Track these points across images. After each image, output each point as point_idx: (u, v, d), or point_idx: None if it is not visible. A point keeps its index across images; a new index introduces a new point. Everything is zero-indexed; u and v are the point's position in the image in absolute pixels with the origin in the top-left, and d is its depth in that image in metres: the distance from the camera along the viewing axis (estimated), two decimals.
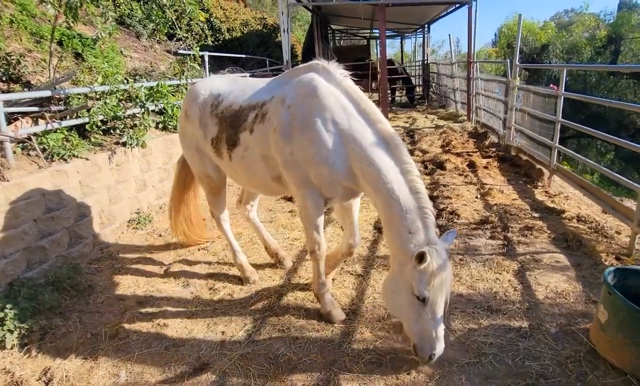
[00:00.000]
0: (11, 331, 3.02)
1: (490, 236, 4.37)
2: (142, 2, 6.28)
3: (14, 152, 4.25)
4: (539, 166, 6.23)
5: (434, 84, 16.74)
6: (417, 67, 20.65)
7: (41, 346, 3.04)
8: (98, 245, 4.61)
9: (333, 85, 2.86)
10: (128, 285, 3.89)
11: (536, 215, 4.81)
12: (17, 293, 3.37)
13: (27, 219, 3.88)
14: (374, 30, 21.16)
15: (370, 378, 2.61)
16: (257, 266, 4.05)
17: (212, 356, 2.89)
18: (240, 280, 3.82)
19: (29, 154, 4.38)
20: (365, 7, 11.24)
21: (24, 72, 5.87)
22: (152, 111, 6.45)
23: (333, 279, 3.67)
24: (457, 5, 11.10)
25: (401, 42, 22.86)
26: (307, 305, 3.41)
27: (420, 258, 2.34)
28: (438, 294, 2.44)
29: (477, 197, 5.50)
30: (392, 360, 2.75)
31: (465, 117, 10.85)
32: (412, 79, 18.37)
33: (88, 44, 6.97)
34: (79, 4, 4.69)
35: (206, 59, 8.69)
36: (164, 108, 6.51)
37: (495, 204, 5.18)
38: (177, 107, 6.60)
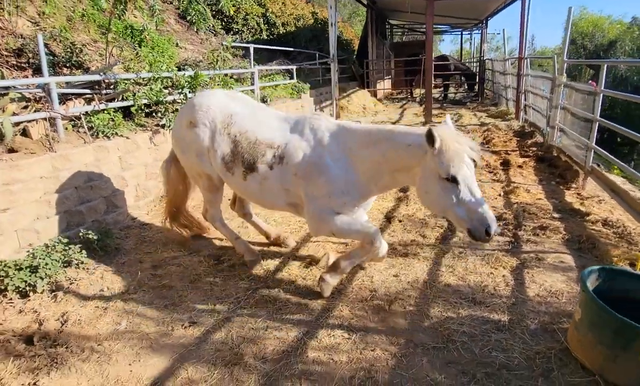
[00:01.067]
0: (42, 278, 3.52)
1: (500, 232, 4.26)
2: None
3: (66, 129, 4.86)
4: (576, 168, 5.86)
5: (488, 81, 16.04)
6: (475, 64, 19.85)
7: (65, 294, 3.52)
8: (130, 215, 5.12)
9: (335, 127, 3.26)
10: (148, 251, 4.32)
11: (556, 216, 4.59)
12: (52, 248, 3.90)
13: (69, 186, 4.45)
14: (433, 26, 20.64)
15: (335, 350, 2.74)
16: (261, 245, 4.31)
17: (201, 316, 3.18)
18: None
19: (78, 131, 4.98)
20: (414, 1, 11.06)
21: (85, 59, 6.61)
22: None
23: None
24: (509, 0, 10.54)
25: (461, 38, 22.06)
26: (298, 281, 3.60)
27: (429, 137, 2.55)
28: (463, 167, 2.58)
29: (499, 195, 5.34)
30: (361, 336, 2.86)
31: (514, 116, 10.34)
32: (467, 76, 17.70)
33: (137, 36, 7.56)
34: None
35: (251, 51, 9.10)
36: None
37: (517, 202, 5.00)
38: None
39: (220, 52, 6.94)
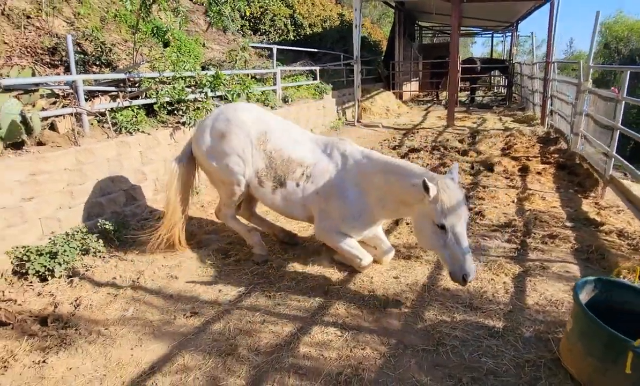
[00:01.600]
0: (60, 264, 3.76)
1: (507, 239, 4.21)
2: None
3: (91, 124, 5.14)
4: (596, 176, 5.68)
5: (517, 85, 15.64)
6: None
7: (81, 280, 3.74)
8: (148, 208, 5.35)
9: (358, 154, 3.58)
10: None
11: (569, 224, 4.48)
12: (72, 236, 4.14)
13: (91, 178, 4.70)
14: (462, 29, 20.30)
15: (327, 347, 2.81)
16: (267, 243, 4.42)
17: (203, 307, 3.32)
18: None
19: (102, 126, 5.25)
20: (440, 2, 10.94)
21: (114, 58, 6.93)
22: (218, 96, 7.17)
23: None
24: (540, 2, 10.26)
25: (492, 41, 21.57)
26: (298, 278, 3.68)
27: (425, 187, 2.82)
28: (455, 219, 2.86)
29: (513, 201, 5.24)
30: (353, 335, 2.92)
31: (540, 121, 10.06)
32: (497, 79, 17.31)
33: (161, 36, 7.78)
34: (151, 2, 5.46)
35: (274, 51, 9.26)
36: (224, 95, 7.18)
37: (530, 209, 4.91)
38: (235, 95, 7.19)
39: (238, 52, 7.09)
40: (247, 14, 7.26)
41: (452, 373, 2.54)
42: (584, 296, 2.59)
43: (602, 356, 2.26)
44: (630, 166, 4.71)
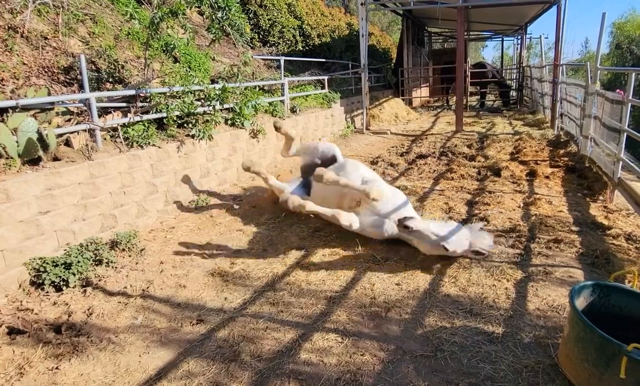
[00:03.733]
0: (74, 274, 3.92)
1: (511, 244, 4.21)
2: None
3: (104, 139, 5.33)
4: (605, 179, 5.62)
5: (527, 89, 15.50)
6: (515, 71, 19.23)
7: (94, 289, 3.88)
8: (159, 218, 5.51)
9: None
10: (171, 252, 4.65)
11: (575, 229, 4.45)
12: (86, 247, 4.31)
13: (104, 191, 4.88)
14: (471, 33, 20.26)
15: (327, 353, 2.87)
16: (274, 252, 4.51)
17: (209, 315, 3.42)
18: (256, 257, 4.32)
19: (115, 141, 5.44)
20: (445, 9, 10.98)
21: (126, 75, 7.17)
22: (226, 109, 7.33)
23: None
24: (547, 5, 10.22)
25: (502, 44, 21.45)
26: (302, 286, 3.76)
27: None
28: None
29: (519, 206, 5.23)
30: (354, 341, 2.97)
31: (549, 124, 9.97)
32: (508, 82, 17.19)
33: (169, 52, 7.99)
34: (159, 21, 5.67)
35: (282, 63, 9.43)
36: (233, 107, 7.34)
37: (536, 214, 4.89)
38: (241, 106, 7.33)
39: (239, 66, 7.27)
40: (247, 31, 7.39)
41: (450, 378, 2.57)
42: (581, 302, 2.60)
43: (597, 361, 2.26)
44: (637, 168, 4.66)
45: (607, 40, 26.54)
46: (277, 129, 5.27)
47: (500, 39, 20.91)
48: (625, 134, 4.94)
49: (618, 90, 5.26)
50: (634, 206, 4.57)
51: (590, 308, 2.63)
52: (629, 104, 4.87)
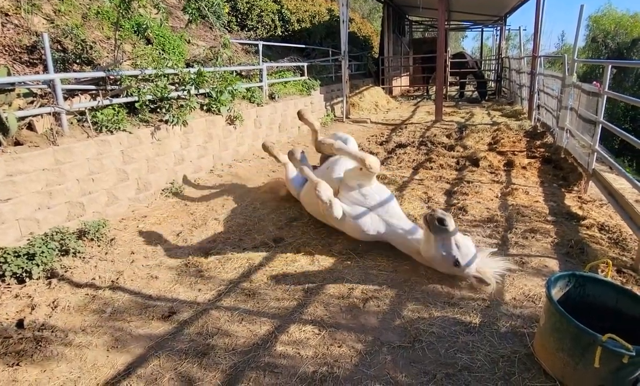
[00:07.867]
0: (38, 265, 3.71)
1: (489, 234, 4.22)
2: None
3: (71, 123, 5.06)
4: (580, 170, 5.72)
5: (506, 80, 15.69)
6: (494, 62, 19.44)
7: (59, 281, 3.69)
8: (131, 207, 5.30)
9: None
10: (142, 242, 4.48)
11: (550, 219, 4.51)
12: (51, 237, 4.09)
13: (71, 178, 4.64)
14: (452, 23, 20.31)
15: (303, 345, 2.80)
16: (258, 243, 4.40)
17: (181, 307, 3.30)
18: (231, 247, 4.21)
19: (82, 125, 5.18)
20: None
21: (95, 56, 6.83)
22: (202, 94, 7.09)
23: None
24: None
25: (482, 35, 21.63)
26: (279, 277, 3.67)
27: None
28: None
29: (497, 196, 5.26)
30: (331, 332, 2.91)
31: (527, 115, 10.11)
32: (487, 73, 17.36)
33: (142, 32, 7.64)
34: None
35: (260, 48, 9.20)
36: (209, 93, 7.11)
37: (512, 204, 4.93)
38: (218, 91, 7.11)
39: (218, 50, 7.03)
40: (225, 12, 7.14)
41: (427, 369, 2.55)
42: (557, 291, 2.61)
43: (572, 351, 2.27)
44: (610, 159, 4.74)
45: (583, 34, 27.08)
46: (300, 117, 5.09)
47: (480, 29, 21.08)
48: (600, 126, 5.00)
49: (595, 82, 5.32)
50: (607, 197, 4.65)
51: (566, 298, 2.64)
52: (605, 96, 4.93)
